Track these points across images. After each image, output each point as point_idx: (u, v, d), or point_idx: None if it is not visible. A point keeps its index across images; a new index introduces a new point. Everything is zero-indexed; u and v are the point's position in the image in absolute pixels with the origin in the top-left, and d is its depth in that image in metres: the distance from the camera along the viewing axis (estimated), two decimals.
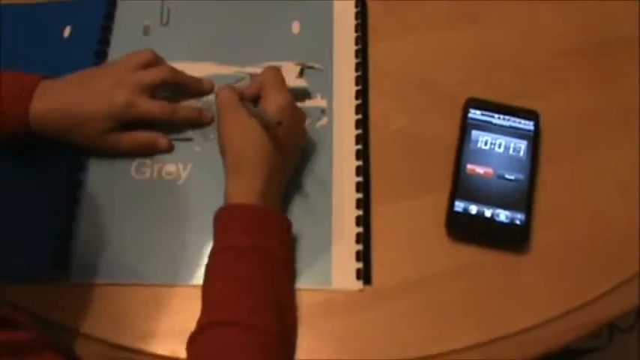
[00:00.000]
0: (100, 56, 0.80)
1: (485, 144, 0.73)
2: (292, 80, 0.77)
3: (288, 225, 0.68)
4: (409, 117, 0.76)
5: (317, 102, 0.77)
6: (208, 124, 0.76)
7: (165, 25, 0.82)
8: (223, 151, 0.69)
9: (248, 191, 0.66)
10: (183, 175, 0.73)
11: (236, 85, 0.75)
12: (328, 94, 0.77)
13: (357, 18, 0.82)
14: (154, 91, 0.74)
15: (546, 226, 0.71)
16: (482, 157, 0.73)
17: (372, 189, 0.72)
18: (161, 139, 0.74)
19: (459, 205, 0.70)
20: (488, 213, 0.70)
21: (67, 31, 0.81)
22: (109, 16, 0.82)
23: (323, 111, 0.76)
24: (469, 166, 0.72)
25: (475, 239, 0.70)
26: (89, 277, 0.68)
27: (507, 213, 0.70)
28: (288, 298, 0.66)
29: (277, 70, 0.72)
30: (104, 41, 0.81)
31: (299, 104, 0.74)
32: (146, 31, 0.82)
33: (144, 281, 0.69)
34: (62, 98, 0.70)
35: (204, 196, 0.72)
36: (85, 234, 0.71)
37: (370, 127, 0.75)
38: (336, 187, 0.72)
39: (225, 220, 0.66)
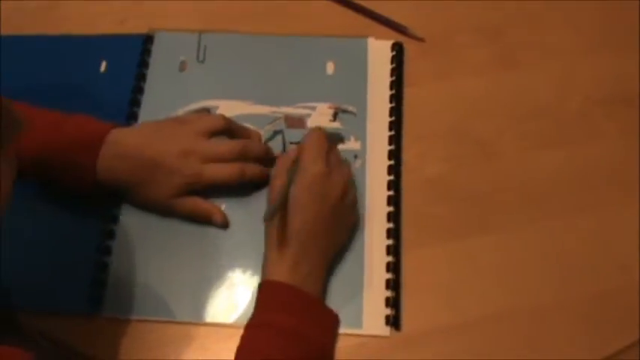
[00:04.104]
0: (136, 92, 0.80)
1: None
2: (326, 123, 0.78)
3: (331, 314, 0.68)
4: (442, 164, 0.76)
5: (351, 145, 0.77)
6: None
7: (202, 61, 0.82)
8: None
9: (280, 263, 0.66)
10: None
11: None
12: (362, 137, 0.77)
13: (392, 62, 0.81)
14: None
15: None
16: None
17: (402, 235, 0.72)
18: (218, 215, 0.73)
19: None
20: None
21: (103, 66, 0.82)
22: (145, 52, 0.83)
23: (356, 156, 0.76)
24: None
25: None
26: (121, 312, 0.69)
27: None
28: None
29: (318, 135, 0.70)
30: (140, 77, 0.81)
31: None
32: (182, 67, 0.82)
33: (175, 319, 0.69)
34: (130, 156, 0.70)
35: (238, 234, 0.73)
36: (118, 269, 0.71)
37: (402, 173, 0.75)
38: (368, 232, 0.72)
39: (267, 297, 0.66)
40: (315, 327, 0.66)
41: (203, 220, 0.73)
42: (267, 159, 0.75)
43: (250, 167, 0.74)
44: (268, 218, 0.67)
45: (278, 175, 0.69)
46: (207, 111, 0.77)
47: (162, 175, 0.70)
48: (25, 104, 0.63)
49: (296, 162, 0.68)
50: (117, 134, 0.71)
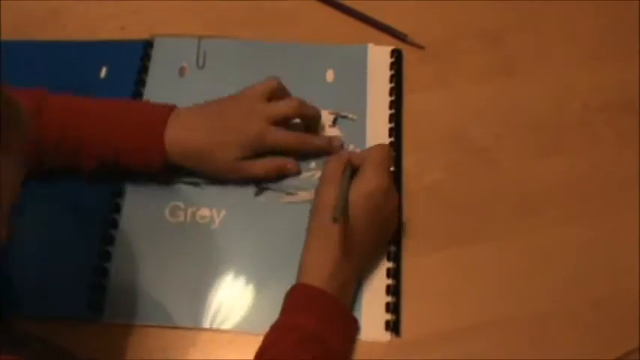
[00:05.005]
0: (136, 97, 0.80)
1: None
2: (326, 129, 0.78)
3: (356, 324, 0.68)
4: (442, 170, 0.77)
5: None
6: (337, 152, 0.75)
7: (202, 67, 0.83)
8: (313, 214, 0.69)
9: (321, 268, 0.66)
10: (217, 219, 0.74)
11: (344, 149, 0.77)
12: (361, 144, 0.77)
13: (391, 68, 0.82)
14: (283, 122, 0.75)
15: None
16: None
17: (403, 241, 0.72)
18: (289, 164, 0.75)
19: None
20: None
21: (103, 72, 0.82)
22: (145, 57, 0.83)
23: None
24: None
25: None
26: (121, 318, 0.69)
27: None
28: None
29: (385, 149, 0.70)
30: (140, 82, 0.82)
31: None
32: (182, 72, 0.83)
33: (175, 324, 0.69)
34: (194, 129, 0.73)
35: (238, 241, 0.73)
36: (118, 274, 0.71)
37: (403, 180, 0.76)
38: None
39: (297, 300, 0.66)
40: (339, 335, 0.66)
41: (277, 173, 0.75)
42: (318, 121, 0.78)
43: (316, 137, 0.77)
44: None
45: (329, 179, 0.69)
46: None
47: (225, 138, 0.72)
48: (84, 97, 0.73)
49: (349, 168, 0.68)
50: (180, 110, 0.74)
